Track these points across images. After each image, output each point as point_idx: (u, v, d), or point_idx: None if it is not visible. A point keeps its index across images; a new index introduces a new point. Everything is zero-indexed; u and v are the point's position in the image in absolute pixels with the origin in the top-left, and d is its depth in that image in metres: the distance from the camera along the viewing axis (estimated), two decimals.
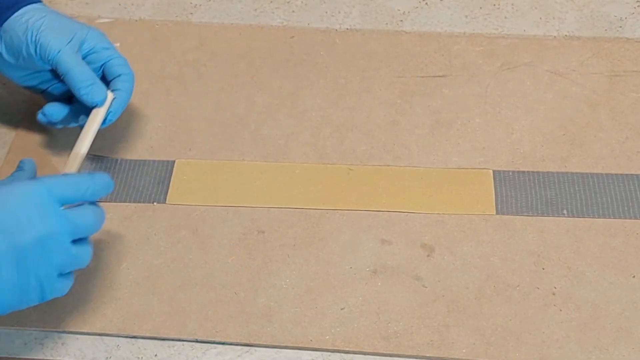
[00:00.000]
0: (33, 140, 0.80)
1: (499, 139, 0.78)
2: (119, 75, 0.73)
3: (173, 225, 0.73)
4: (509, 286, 0.68)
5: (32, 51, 0.71)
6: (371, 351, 0.65)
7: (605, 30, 0.87)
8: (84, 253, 0.60)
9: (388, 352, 0.65)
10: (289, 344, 0.66)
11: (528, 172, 0.75)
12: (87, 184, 0.60)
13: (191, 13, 0.91)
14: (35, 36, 0.70)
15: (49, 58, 0.71)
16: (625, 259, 0.69)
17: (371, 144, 0.78)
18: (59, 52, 0.70)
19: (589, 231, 0.71)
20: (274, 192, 0.75)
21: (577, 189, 0.74)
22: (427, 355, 0.65)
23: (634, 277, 0.68)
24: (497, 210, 0.72)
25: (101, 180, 0.61)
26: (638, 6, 0.89)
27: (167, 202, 0.74)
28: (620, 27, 0.87)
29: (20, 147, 0.79)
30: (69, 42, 0.71)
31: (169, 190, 0.75)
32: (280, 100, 0.82)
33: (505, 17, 0.89)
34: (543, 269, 0.69)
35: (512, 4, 0.90)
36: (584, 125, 0.78)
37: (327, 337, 0.66)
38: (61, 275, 0.58)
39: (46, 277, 0.57)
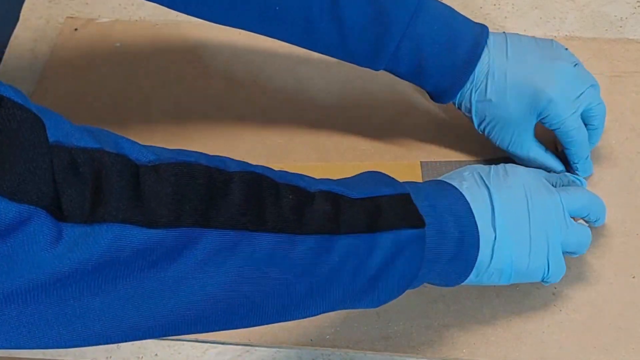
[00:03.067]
0: None
1: None
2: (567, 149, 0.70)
3: None
4: (508, 286, 0.68)
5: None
6: (371, 351, 0.65)
7: (606, 30, 0.87)
8: (582, 234, 0.63)
9: (388, 352, 0.65)
10: (289, 344, 0.66)
11: (453, 161, 0.76)
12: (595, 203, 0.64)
13: None
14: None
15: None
16: (625, 259, 0.69)
17: (372, 144, 0.78)
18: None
19: None
20: None
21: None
22: (427, 355, 0.65)
23: (633, 277, 0.68)
24: None
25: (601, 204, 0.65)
26: (638, 6, 0.89)
27: None
28: (621, 27, 0.87)
29: None
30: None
31: None
32: (281, 100, 0.82)
33: (506, 17, 0.89)
34: None
35: (512, 4, 0.90)
36: None
37: (327, 337, 0.66)
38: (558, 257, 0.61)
39: (549, 249, 0.60)
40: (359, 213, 0.52)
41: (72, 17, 0.91)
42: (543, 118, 0.67)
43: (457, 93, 0.69)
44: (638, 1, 0.90)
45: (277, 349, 0.66)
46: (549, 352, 0.64)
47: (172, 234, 0.44)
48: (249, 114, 0.81)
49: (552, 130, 0.68)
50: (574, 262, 0.69)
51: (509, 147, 0.70)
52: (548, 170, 0.70)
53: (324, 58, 0.85)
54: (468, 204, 0.58)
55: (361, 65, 0.71)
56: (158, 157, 0.47)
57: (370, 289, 0.53)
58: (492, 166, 0.62)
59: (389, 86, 0.82)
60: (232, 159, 0.51)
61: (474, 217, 0.57)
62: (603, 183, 0.74)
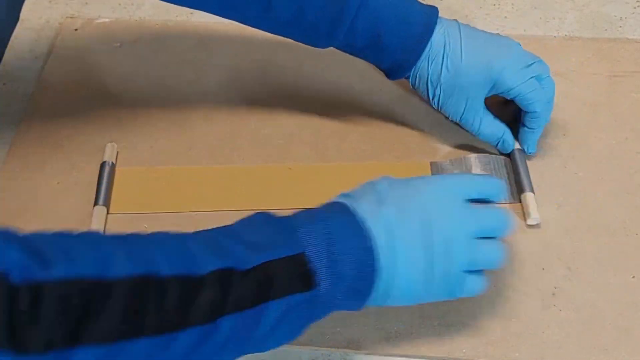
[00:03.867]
0: (33, 139, 0.80)
1: None
2: (529, 113, 0.72)
3: (175, 224, 0.73)
4: (508, 286, 0.68)
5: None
6: (371, 351, 0.65)
7: (605, 30, 0.87)
8: (491, 252, 0.59)
9: (388, 352, 0.65)
10: (289, 344, 0.66)
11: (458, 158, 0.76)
12: (483, 183, 0.61)
13: (191, 13, 0.91)
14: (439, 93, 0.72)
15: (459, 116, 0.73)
16: (625, 259, 0.69)
17: (371, 144, 0.78)
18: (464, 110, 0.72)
19: (589, 231, 0.71)
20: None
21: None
22: (427, 355, 0.65)
23: (633, 277, 0.68)
24: None
25: (494, 181, 0.62)
26: (638, 6, 0.89)
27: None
28: (620, 27, 0.87)
29: (20, 146, 0.79)
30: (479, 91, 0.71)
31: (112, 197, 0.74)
32: (281, 100, 0.82)
33: (505, 17, 0.89)
34: (543, 269, 0.69)
35: (512, 4, 0.91)
36: (584, 125, 0.78)
37: (327, 336, 0.66)
38: (471, 272, 0.58)
39: (452, 271, 0.57)
40: (249, 287, 0.51)
41: (72, 17, 0.91)
42: (499, 87, 0.70)
43: (413, 66, 0.71)
44: (638, 1, 0.90)
45: (277, 349, 0.66)
46: (549, 352, 0.64)
47: (42, 359, 0.44)
48: (249, 114, 0.81)
49: (512, 98, 0.71)
50: (574, 261, 0.69)
51: (462, 117, 0.73)
52: (502, 143, 0.74)
53: (324, 58, 0.85)
54: (368, 237, 0.55)
55: (316, 44, 0.72)
56: (45, 274, 0.45)
57: (257, 348, 0.55)
58: (397, 180, 0.59)
59: (390, 86, 0.82)
60: (129, 250, 0.50)
61: (372, 252, 0.55)
62: (603, 183, 0.74)
